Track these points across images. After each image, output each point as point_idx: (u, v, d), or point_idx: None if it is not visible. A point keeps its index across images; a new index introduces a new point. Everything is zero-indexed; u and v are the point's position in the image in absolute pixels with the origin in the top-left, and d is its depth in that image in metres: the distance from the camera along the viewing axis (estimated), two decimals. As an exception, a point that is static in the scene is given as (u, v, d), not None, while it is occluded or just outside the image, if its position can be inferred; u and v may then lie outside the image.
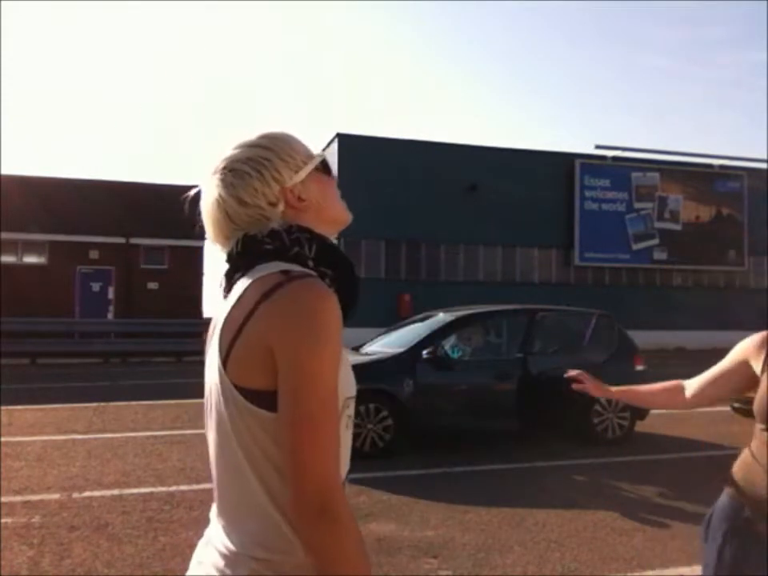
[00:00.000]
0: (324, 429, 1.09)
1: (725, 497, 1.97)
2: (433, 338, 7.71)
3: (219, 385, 1.18)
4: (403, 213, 22.98)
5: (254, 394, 1.13)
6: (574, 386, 2.28)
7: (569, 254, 25.23)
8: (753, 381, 1.95)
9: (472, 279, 24.19)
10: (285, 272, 1.17)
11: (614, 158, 25.77)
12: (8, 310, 18.77)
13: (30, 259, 24.23)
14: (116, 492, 5.67)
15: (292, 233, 1.24)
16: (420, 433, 7.38)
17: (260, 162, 1.26)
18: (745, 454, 1.95)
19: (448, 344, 7.97)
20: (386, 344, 8.46)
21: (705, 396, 2.13)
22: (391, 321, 13.07)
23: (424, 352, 7.44)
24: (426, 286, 23.20)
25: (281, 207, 1.27)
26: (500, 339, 9.09)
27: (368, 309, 22.01)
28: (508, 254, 24.94)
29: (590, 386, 2.25)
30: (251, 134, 1.30)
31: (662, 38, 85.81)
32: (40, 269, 23.70)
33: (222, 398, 1.17)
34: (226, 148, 1.30)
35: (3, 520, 4.77)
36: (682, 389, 2.17)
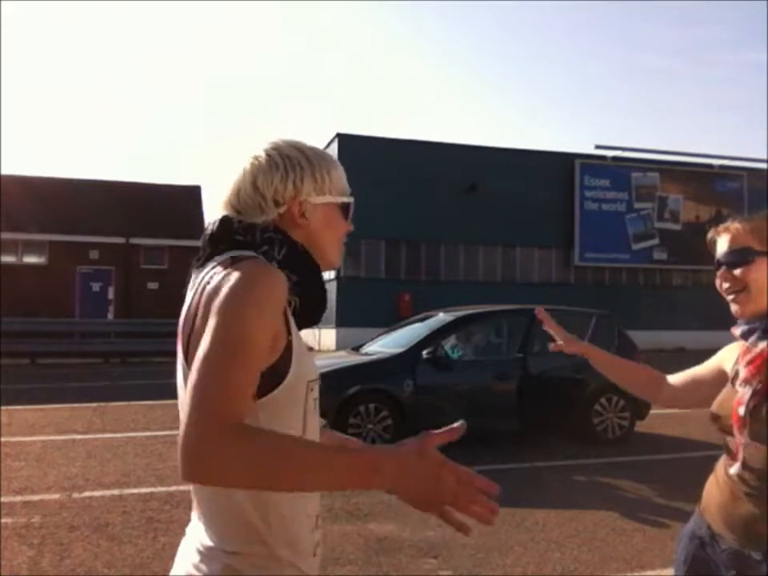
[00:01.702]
0: (237, 367, 1.06)
1: (695, 510, 1.78)
2: (433, 338, 7.71)
3: (182, 376, 1.22)
4: (403, 213, 22.98)
5: None
6: (551, 346, 2.06)
7: (569, 254, 25.23)
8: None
9: (472, 279, 24.19)
10: (234, 258, 1.22)
11: (614, 158, 25.78)
12: (8, 310, 18.77)
13: (30, 259, 24.23)
14: (116, 492, 5.66)
15: (267, 231, 1.28)
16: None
17: (294, 164, 1.32)
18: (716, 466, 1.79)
19: (448, 344, 7.97)
20: (385, 344, 8.46)
21: (677, 398, 1.93)
22: (391, 321, 13.07)
23: (424, 352, 7.44)
24: (426, 285, 23.20)
25: (282, 210, 1.31)
26: (500, 339, 9.09)
27: (368, 309, 22.02)
28: (508, 254, 24.93)
29: (563, 342, 2.02)
30: (313, 144, 1.39)
31: (661, 38, 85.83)
32: (40, 269, 23.70)
33: (185, 389, 1.14)
34: (282, 139, 1.36)
35: (3, 520, 4.77)
36: (662, 383, 1.96)
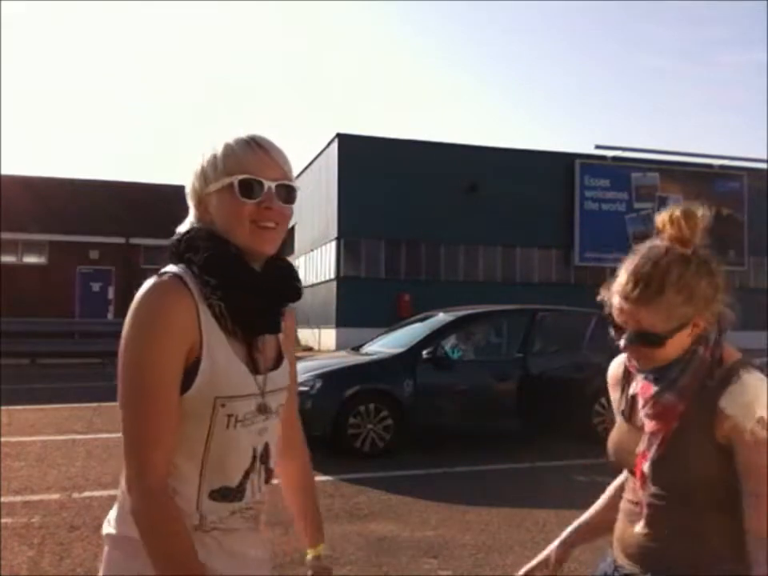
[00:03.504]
0: (139, 413, 1.21)
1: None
2: (433, 338, 7.71)
3: None
4: (403, 213, 22.97)
5: None
6: None
7: (569, 254, 25.23)
8: None
9: (472, 279, 24.18)
10: (160, 274, 1.27)
11: (614, 158, 25.79)
12: (8, 310, 18.76)
13: (30, 259, 24.23)
14: (116, 492, 5.63)
15: (192, 237, 1.31)
16: (420, 433, 7.38)
17: (198, 161, 1.34)
18: None
19: (448, 344, 7.97)
20: (385, 344, 8.46)
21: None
22: (391, 321, 13.07)
23: (424, 352, 7.44)
24: (426, 285, 23.19)
25: (200, 211, 1.35)
26: (500, 339, 9.09)
27: (368, 309, 22.02)
28: (508, 254, 24.93)
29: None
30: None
31: (661, 38, 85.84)
32: (40, 269, 23.70)
33: None
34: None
35: (3, 520, 4.77)
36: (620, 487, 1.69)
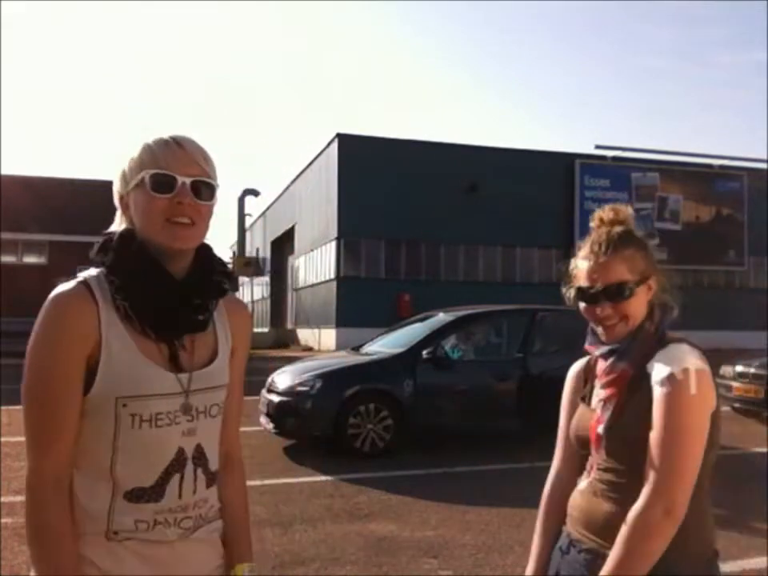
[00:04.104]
0: (31, 416, 1.30)
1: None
2: (433, 338, 7.71)
3: None
4: (403, 213, 22.98)
5: None
6: None
7: (569, 254, 25.05)
8: None
9: (472, 279, 24.19)
10: (63, 282, 1.30)
11: (614, 158, 25.80)
12: (8, 309, 18.77)
13: (30, 259, 24.25)
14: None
15: (107, 239, 1.33)
16: (420, 433, 7.38)
17: (116, 169, 1.36)
18: None
19: (448, 344, 7.96)
20: (385, 344, 8.45)
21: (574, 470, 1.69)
22: (391, 321, 13.07)
23: (424, 352, 7.44)
24: (426, 285, 23.20)
25: (123, 212, 1.36)
26: (500, 339, 9.08)
27: (368, 309, 22.03)
28: (508, 254, 24.94)
29: None
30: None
31: (661, 39, 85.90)
32: (40, 269, 23.70)
33: None
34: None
35: (3, 520, 4.77)
36: (561, 491, 1.70)
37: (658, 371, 1.46)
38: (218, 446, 1.40)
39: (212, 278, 1.37)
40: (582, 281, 1.61)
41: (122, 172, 1.34)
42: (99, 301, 1.26)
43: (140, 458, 1.27)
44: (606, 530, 1.50)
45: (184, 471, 1.30)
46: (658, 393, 1.44)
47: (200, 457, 1.33)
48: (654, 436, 1.42)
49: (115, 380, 1.24)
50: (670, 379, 1.43)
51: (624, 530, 1.41)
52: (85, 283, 1.28)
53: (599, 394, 1.59)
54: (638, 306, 1.56)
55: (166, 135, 1.32)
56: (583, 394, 1.69)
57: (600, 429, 1.54)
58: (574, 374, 1.77)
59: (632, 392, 1.51)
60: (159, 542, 1.29)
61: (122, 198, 1.35)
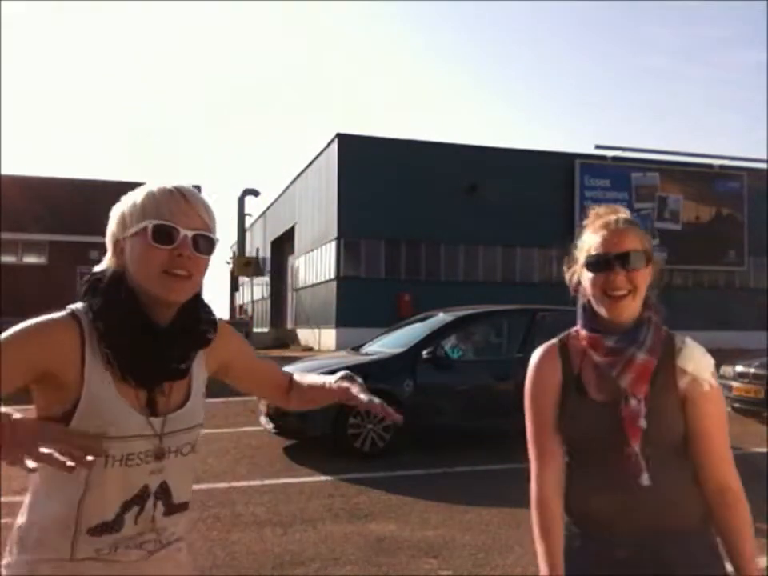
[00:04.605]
0: None
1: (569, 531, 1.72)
2: (433, 338, 7.71)
3: None
4: (403, 213, 22.97)
5: None
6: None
7: (569, 254, 25.21)
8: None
9: (472, 279, 24.18)
10: (57, 311, 1.31)
11: (614, 158, 25.79)
12: (8, 310, 18.76)
13: (30, 259, 24.24)
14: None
15: (97, 279, 1.33)
16: (420, 433, 7.38)
17: (117, 213, 1.35)
18: None
19: (448, 344, 7.96)
20: (385, 344, 8.45)
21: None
22: (391, 321, 13.07)
23: (424, 352, 7.44)
24: (426, 285, 23.20)
25: (115, 255, 1.35)
26: (500, 339, 9.08)
27: (368, 309, 22.02)
28: (508, 254, 24.93)
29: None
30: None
31: (661, 38, 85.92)
32: (40, 269, 23.71)
33: None
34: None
35: (3, 520, 4.76)
36: (561, 491, 1.72)
37: (700, 366, 1.56)
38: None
39: (198, 327, 1.38)
40: (593, 250, 1.62)
41: (121, 215, 1.34)
42: (86, 339, 1.28)
43: (107, 494, 1.29)
44: (664, 519, 1.54)
45: (144, 504, 1.32)
46: (706, 386, 1.54)
47: (163, 492, 1.35)
48: (709, 424, 1.55)
49: (91, 421, 1.25)
50: (714, 375, 1.56)
51: (735, 521, 1.55)
52: (75, 317, 1.30)
53: (620, 384, 1.55)
54: (644, 282, 1.58)
55: (169, 185, 1.33)
56: (569, 382, 1.69)
57: (641, 423, 1.52)
58: (546, 359, 1.77)
59: (656, 387, 1.55)
60: (123, 561, 1.31)
61: (117, 242, 1.35)
